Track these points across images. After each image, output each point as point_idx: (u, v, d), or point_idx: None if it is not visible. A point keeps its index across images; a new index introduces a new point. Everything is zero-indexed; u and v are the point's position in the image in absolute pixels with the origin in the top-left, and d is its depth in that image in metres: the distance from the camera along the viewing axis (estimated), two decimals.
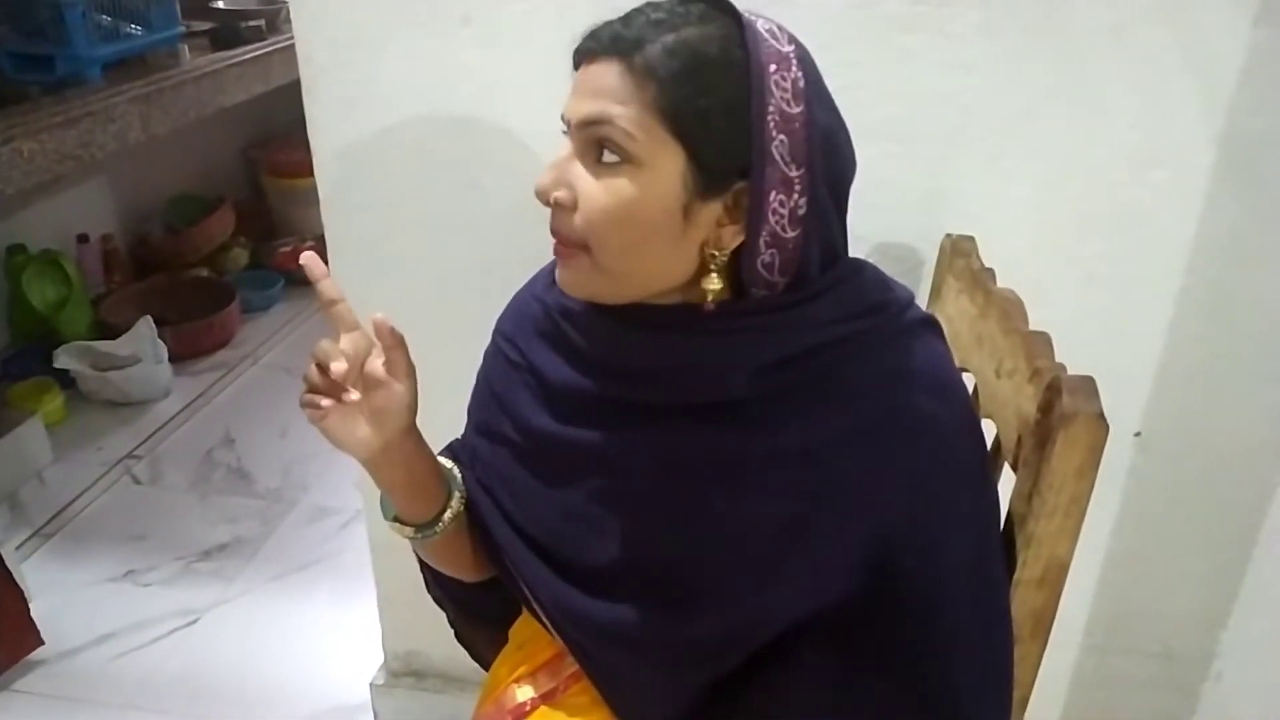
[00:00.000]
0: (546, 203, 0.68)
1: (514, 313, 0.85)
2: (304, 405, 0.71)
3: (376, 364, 0.72)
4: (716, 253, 0.68)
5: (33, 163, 1.79)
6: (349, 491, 2.05)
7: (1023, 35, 0.97)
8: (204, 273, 2.72)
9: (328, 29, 1.08)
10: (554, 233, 0.69)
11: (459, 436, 0.92)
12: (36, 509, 1.96)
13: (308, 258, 0.73)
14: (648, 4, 0.68)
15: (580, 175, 0.67)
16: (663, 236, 0.66)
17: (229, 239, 2.80)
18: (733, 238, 0.67)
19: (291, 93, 2.53)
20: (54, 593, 1.73)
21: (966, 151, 1.02)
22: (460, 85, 1.09)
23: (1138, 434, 1.11)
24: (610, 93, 0.64)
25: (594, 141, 0.65)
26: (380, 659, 1.47)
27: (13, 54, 2.06)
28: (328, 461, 2.15)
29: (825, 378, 0.70)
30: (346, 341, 0.71)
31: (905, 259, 1.06)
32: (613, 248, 0.67)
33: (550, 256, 0.85)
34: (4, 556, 1.56)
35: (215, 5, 2.55)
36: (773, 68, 0.65)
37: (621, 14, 0.67)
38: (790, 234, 0.67)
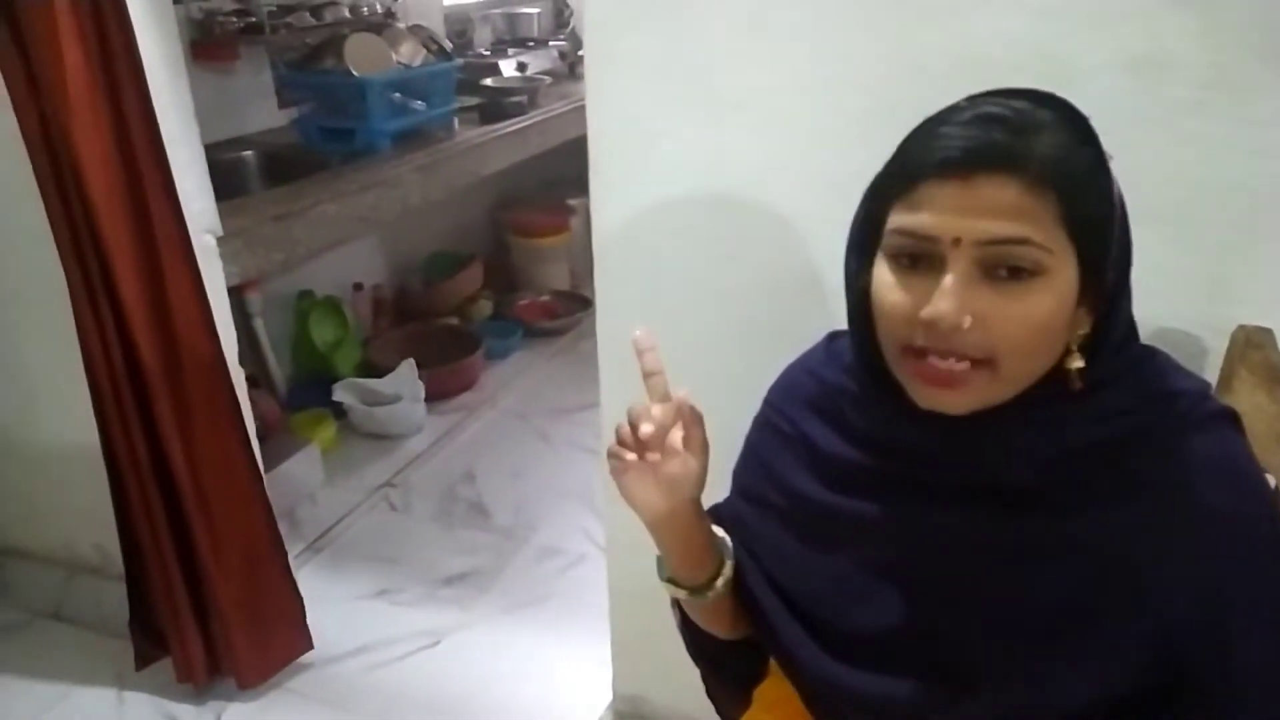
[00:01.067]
0: (937, 328, 0.65)
1: (786, 385, 0.89)
2: (610, 456, 0.77)
3: (677, 436, 0.77)
4: (1075, 335, 0.69)
5: (334, 223, 2.06)
6: (575, 534, 2.17)
7: None
8: (454, 321, 2.98)
9: (618, 112, 1.19)
10: (945, 354, 0.66)
11: (723, 501, 0.97)
12: (309, 526, 2.21)
13: (641, 336, 0.77)
14: (986, 99, 0.67)
15: (985, 297, 0.64)
16: (1061, 337, 0.68)
17: (476, 291, 3.06)
18: (1084, 321, 0.69)
19: (538, 160, 2.74)
20: (320, 603, 1.92)
21: (1259, 239, 0.98)
22: (729, 165, 1.17)
23: None
24: (1016, 211, 0.63)
25: (996, 259, 0.64)
26: (608, 698, 1.54)
27: (321, 128, 2.39)
28: (555, 505, 2.28)
29: (1116, 467, 0.70)
30: (657, 410, 0.76)
31: (1184, 347, 1.02)
32: (1024, 359, 0.67)
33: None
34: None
35: (485, 83, 2.83)
36: (1106, 151, 0.67)
37: (959, 113, 0.66)
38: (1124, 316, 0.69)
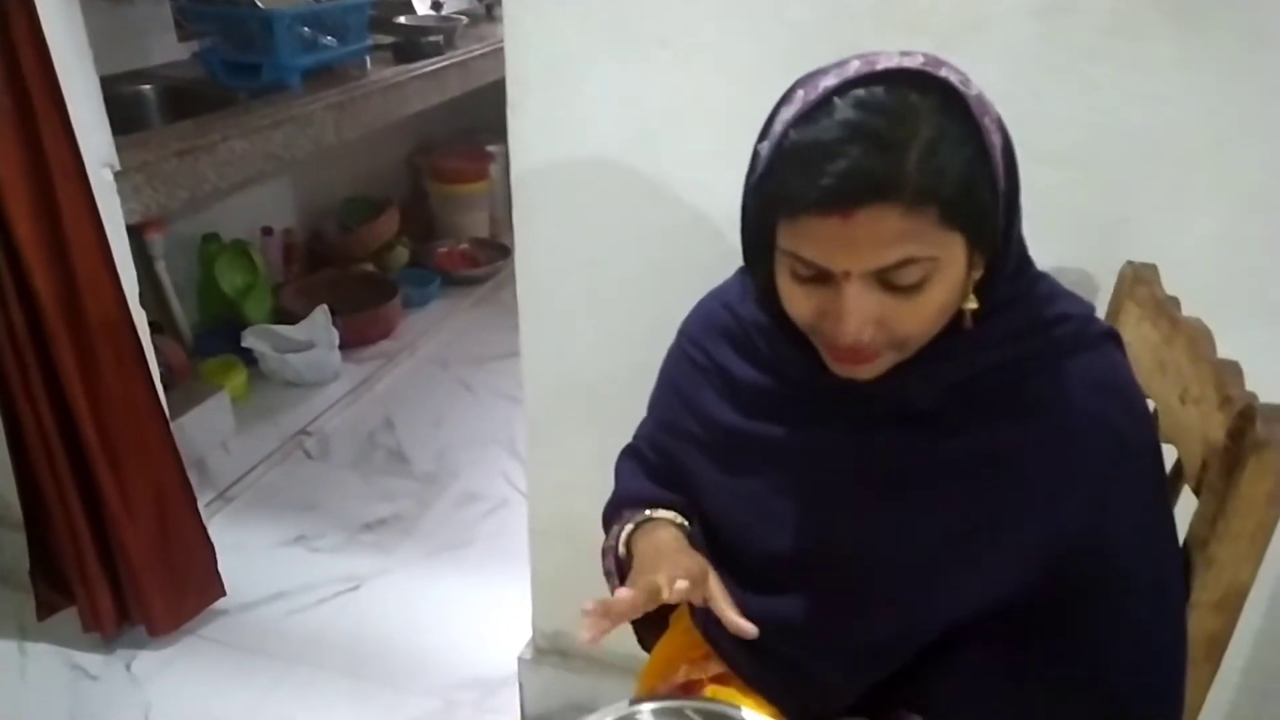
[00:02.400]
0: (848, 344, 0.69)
1: (701, 318, 0.90)
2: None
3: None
4: (970, 282, 0.71)
5: (242, 161, 1.99)
6: (496, 480, 2.17)
7: (1219, 69, 0.97)
8: (369, 268, 2.91)
9: (538, 52, 1.18)
10: (854, 352, 0.69)
11: (639, 429, 0.99)
12: (220, 474, 2.15)
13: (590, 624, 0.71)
14: (857, 92, 0.65)
15: (883, 302, 0.67)
16: (959, 300, 0.70)
17: (393, 238, 3.00)
18: (978, 266, 0.71)
19: (456, 105, 2.69)
20: (234, 551, 1.89)
21: (1152, 182, 1.03)
22: (652, 105, 1.16)
23: None
24: (899, 236, 0.63)
25: (885, 277, 0.66)
26: (529, 636, 1.56)
27: (225, 62, 2.28)
28: (476, 451, 2.28)
29: (1009, 388, 0.73)
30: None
31: (1080, 285, 1.07)
32: (928, 335, 0.70)
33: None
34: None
35: (399, 21, 2.74)
36: (985, 121, 0.66)
37: (829, 117, 0.64)
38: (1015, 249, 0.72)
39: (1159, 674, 0.75)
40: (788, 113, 0.68)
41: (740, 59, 1.09)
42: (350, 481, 2.18)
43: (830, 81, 0.66)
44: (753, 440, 0.82)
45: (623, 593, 0.74)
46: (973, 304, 0.71)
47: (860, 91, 0.64)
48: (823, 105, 0.65)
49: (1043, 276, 0.78)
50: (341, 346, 2.52)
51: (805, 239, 0.66)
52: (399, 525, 2.03)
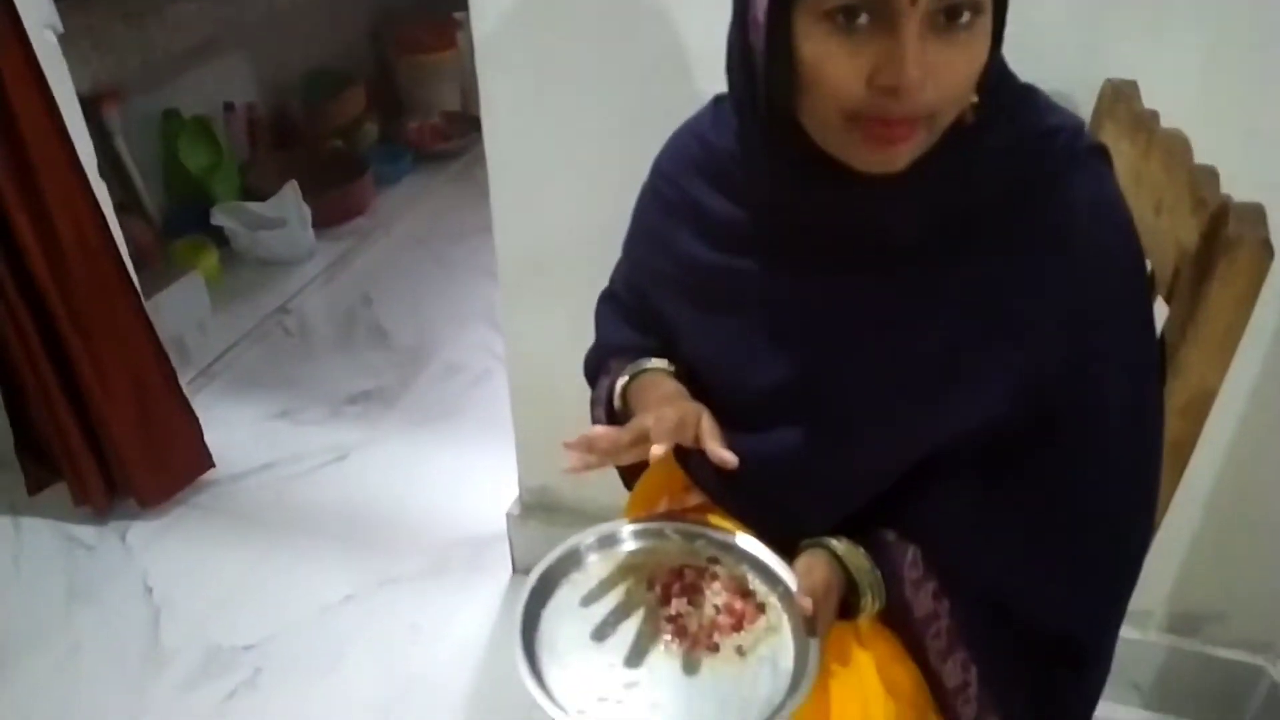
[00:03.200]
0: (900, 95, 0.61)
1: (673, 152, 0.86)
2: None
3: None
4: None
5: (195, 24, 1.90)
6: (478, 352, 2.17)
7: None
8: (338, 145, 2.83)
9: None
10: (895, 121, 0.63)
11: (615, 272, 0.97)
12: (199, 353, 2.14)
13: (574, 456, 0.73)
14: None
15: (936, 51, 0.61)
16: (977, 79, 0.65)
17: (360, 114, 2.90)
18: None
19: None
20: (220, 426, 1.90)
21: None
22: None
23: None
24: None
25: (945, 9, 0.60)
26: (515, 493, 1.59)
27: None
28: (457, 326, 2.27)
29: (995, 211, 0.70)
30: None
31: (1061, 103, 1.04)
32: (958, 107, 0.64)
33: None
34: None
35: None
36: None
37: None
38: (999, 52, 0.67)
39: (1131, 494, 0.75)
40: None
41: None
42: (331, 357, 2.18)
43: None
44: (728, 276, 0.80)
45: (604, 429, 0.75)
46: (974, 97, 0.67)
47: None
48: None
49: (1032, 89, 0.75)
50: (314, 225, 2.47)
51: None
52: (383, 398, 2.04)
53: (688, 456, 0.86)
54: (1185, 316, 0.75)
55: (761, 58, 0.67)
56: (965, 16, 0.61)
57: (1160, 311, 0.79)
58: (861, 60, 0.61)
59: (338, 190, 2.60)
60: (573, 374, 0.99)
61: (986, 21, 0.63)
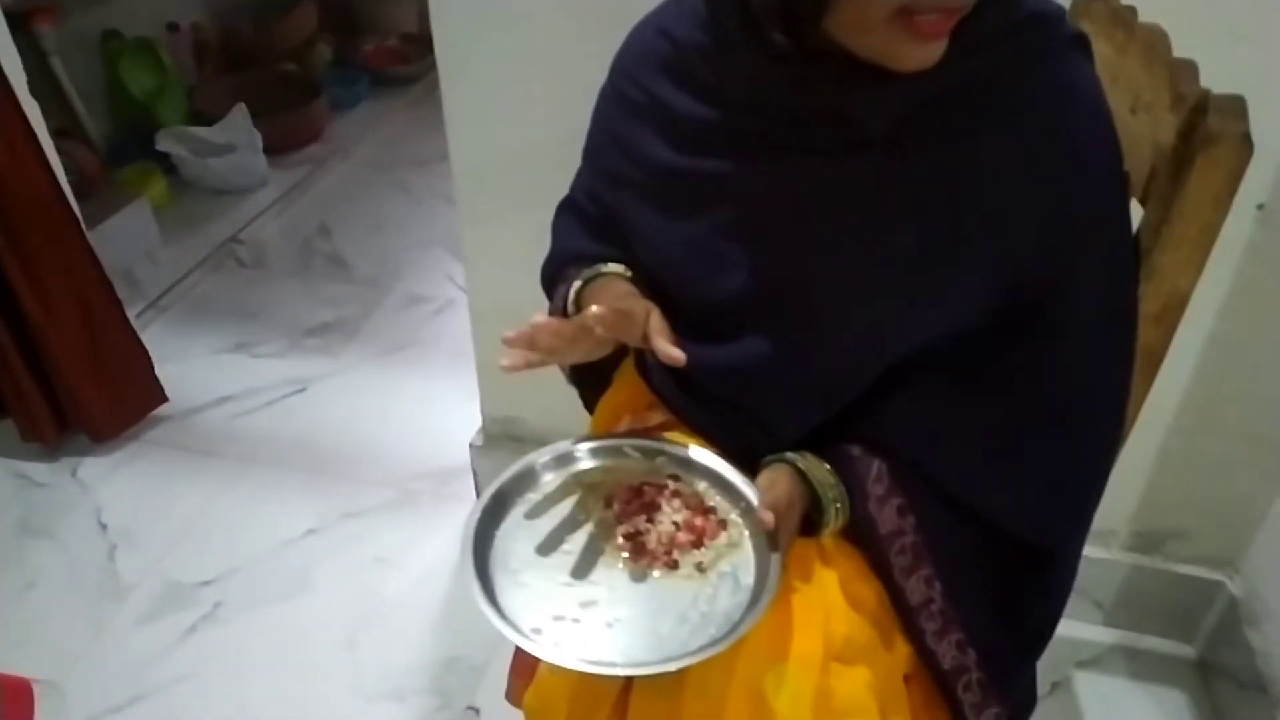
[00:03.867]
0: None
1: (635, 49, 0.81)
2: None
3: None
4: None
5: None
6: (441, 281, 2.12)
7: None
8: (290, 68, 2.71)
9: None
10: (945, 16, 0.61)
11: (575, 180, 0.92)
12: (149, 284, 2.07)
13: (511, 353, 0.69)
14: None
15: None
16: None
17: (313, 34, 2.78)
18: None
19: None
20: (173, 360, 1.84)
21: None
22: None
23: (1260, 206, 1.07)
24: None
25: None
26: (479, 423, 1.55)
27: None
28: (419, 254, 2.21)
29: (973, 105, 0.67)
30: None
31: None
32: None
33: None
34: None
35: None
36: None
37: None
38: None
39: (1101, 398, 0.74)
40: None
41: None
42: (288, 288, 2.11)
43: None
44: (694, 177, 0.76)
45: (544, 319, 0.71)
46: None
47: None
48: None
49: None
50: (267, 151, 2.38)
51: None
52: (343, 329, 1.99)
53: (649, 370, 0.83)
54: (1160, 218, 0.73)
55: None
56: None
57: (1136, 215, 0.77)
58: None
59: (291, 114, 2.51)
60: (536, 298, 0.94)
61: None
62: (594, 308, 0.72)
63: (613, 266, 0.84)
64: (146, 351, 1.70)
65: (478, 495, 1.60)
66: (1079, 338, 0.72)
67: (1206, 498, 1.29)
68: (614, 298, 0.79)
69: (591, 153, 0.89)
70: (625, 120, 0.81)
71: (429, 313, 2.04)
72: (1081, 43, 0.71)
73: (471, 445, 1.55)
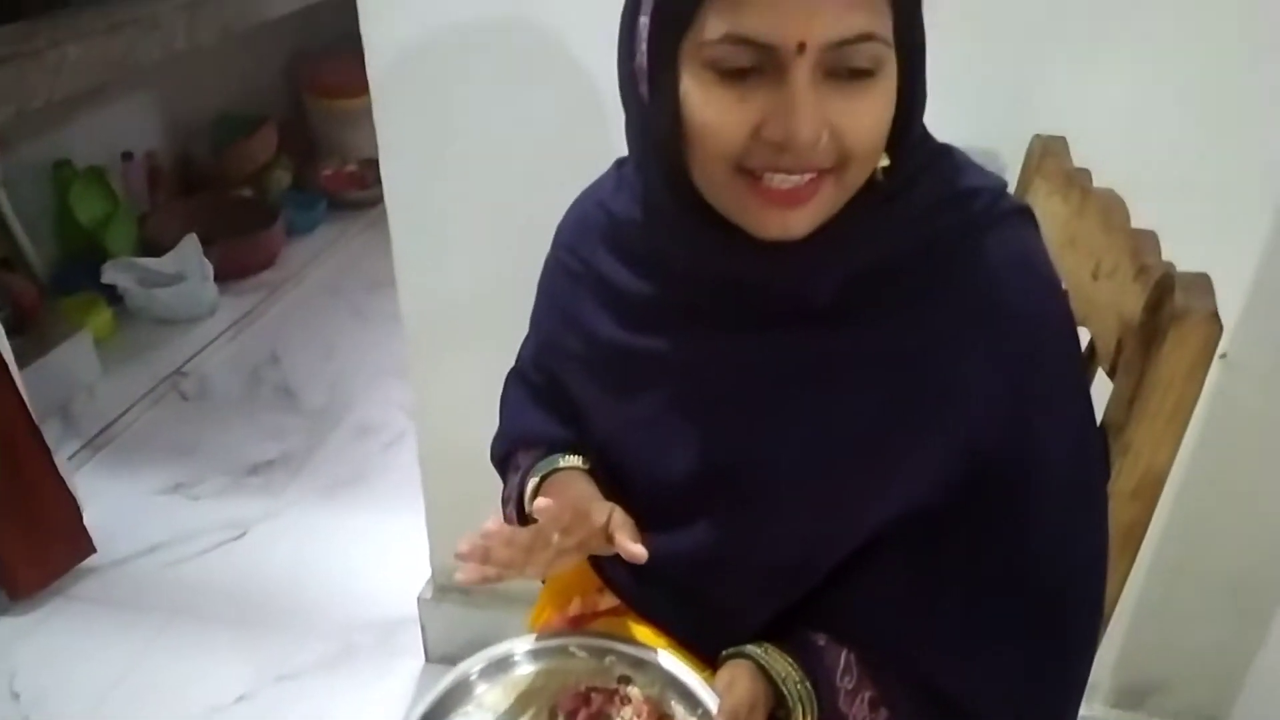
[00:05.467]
0: (791, 149, 0.58)
1: (575, 222, 0.80)
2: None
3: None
4: None
5: (78, 69, 1.77)
6: (393, 411, 2.05)
7: None
8: (247, 193, 2.70)
9: None
10: (793, 169, 0.59)
11: (522, 349, 0.89)
12: (87, 421, 1.98)
13: (467, 550, 0.66)
14: None
15: (831, 102, 0.57)
16: (886, 135, 0.61)
17: (271, 159, 2.78)
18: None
19: (335, 8, 2.49)
20: (104, 503, 1.75)
21: (1059, 46, 0.95)
22: None
23: (1223, 355, 1.05)
24: (860, 1, 0.55)
25: (839, 61, 0.56)
26: (428, 574, 1.47)
27: None
28: (373, 381, 2.15)
29: (916, 274, 0.66)
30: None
31: (987, 162, 0.99)
32: (869, 159, 0.61)
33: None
34: (58, 464, 1.58)
35: None
36: None
37: None
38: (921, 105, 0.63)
39: (1078, 570, 0.70)
40: None
41: None
42: (232, 422, 2.03)
43: None
44: (639, 355, 0.73)
45: (497, 527, 0.66)
46: (885, 161, 0.63)
47: None
48: None
49: (950, 149, 0.70)
50: (218, 278, 2.34)
51: (751, 4, 0.55)
52: (287, 465, 1.91)
53: (600, 558, 0.77)
54: (1131, 392, 0.70)
55: (648, 109, 0.63)
56: (862, 69, 0.57)
57: (1104, 386, 0.74)
58: (749, 109, 0.58)
59: (245, 240, 2.47)
60: (487, 442, 0.89)
61: (888, 77, 0.59)
62: (541, 500, 0.67)
63: (568, 460, 0.79)
64: (75, 501, 1.60)
65: (425, 651, 1.50)
66: (1045, 512, 0.67)
67: (1188, 648, 1.23)
68: (573, 500, 0.74)
69: (537, 322, 0.86)
70: (567, 292, 0.79)
71: (379, 445, 1.97)
72: (1026, 213, 0.70)
73: (419, 599, 1.46)
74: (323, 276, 2.59)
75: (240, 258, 2.45)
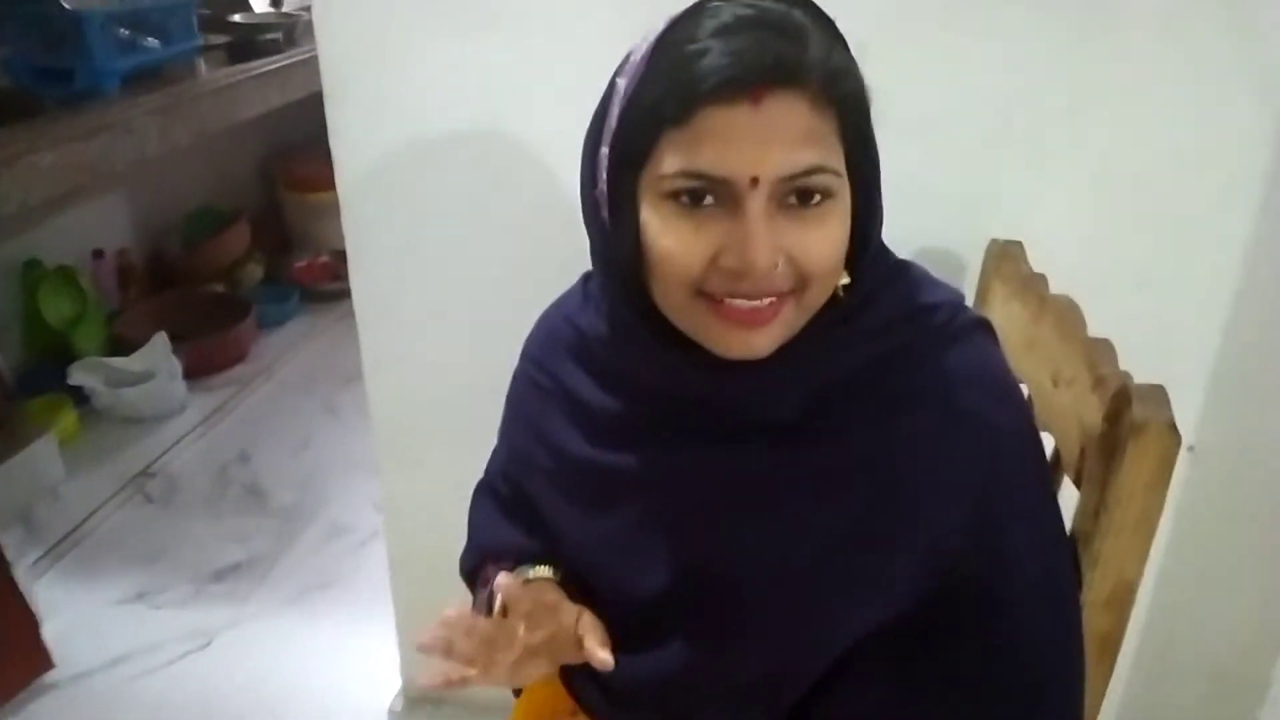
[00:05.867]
0: (748, 277, 0.59)
1: (543, 336, 0.81)
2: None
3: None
4: None
5: (52, 175, 1.78)
6: (367, 509, 2.01)
7: (1069, 31, 0.93)
8: (219, 288, 2.69)
9: (351, 33, 1.06)
10: (753, 314, 0.60)
11: (491, 461, 0.89)
12: (49, 527, 1.93)
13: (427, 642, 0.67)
14: (741, 6, 0.59)
15: (786, 230, 0.59)
16: (844, 255, 0.63)
17: (244, 253, 2.78)
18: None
19: (309, 105, 2.52)
20: (65, 614, 1.69)
21: (1011, 152, 0.98)
22: (484, 87, 1.06)
23: (1190, 448, 1.06)
24: (809, 133, 0.57)
25: (791, 191, 0.58)
26: (398, 685, 1.42)
27: (32, 67, 2.05)
28: (345, 477, 2.12)
29: (878, 389, 0.66)
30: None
31: (946, 264, 1.02)
32: (828, 281, 0.62)
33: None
34: (17, 577, 1.53)
35: (233, 19, 2.54)
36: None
37: (708, 19, 0.58)
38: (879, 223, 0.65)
39: (1054, 680, 0.69)
40: (647, 45, 0.61)
41: (576, 34, 0.99)
42: (199, 525, 1.98)
43: (685, 8, 0.60)
44: (606, 472, 0.73)
45: (457, 613, 0.66)
46: (845, 279, 0.64)
47: (735, 2, 0.59)
48: (700, 9, 0.60)
49: (908, 265, 0.72)
50: (188, 375, 2.31)
51: (703, 141, 0.57)
52: (255, 570, 1.85)
53: (572, 676, 0.76)
54: (1096, 504, 0.70)
55: (607, 233, 0.64)
56: (815, 198, 0.59)
57: (1070, 493, 0.74)
58: (706, 238, 0.59)
59: (216, 336, 2.46)
60: (460, 547, 0.87)
61: (841, 201, 0.61)
62: (503, 576, 0.66)
63: (538, 571, 0.78)
64: (33, 615, 1.54)
65: None
66: (1018, 622, 0.67)
67: None
68: (541, 600, 0.73)
69: (505, 435, 0.86)
70: (536, 406, 0.79)
71: (351, 545, 1.93)
72: (984, 327, 0.71)
73: (390, 710, 1.41)
74: (295, 371, 2.56)
75: (211, 353, 2.43)
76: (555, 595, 0.75)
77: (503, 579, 0.66)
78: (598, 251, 0.69)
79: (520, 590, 0.66)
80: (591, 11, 0.97)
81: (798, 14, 0.60)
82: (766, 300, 0.60)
